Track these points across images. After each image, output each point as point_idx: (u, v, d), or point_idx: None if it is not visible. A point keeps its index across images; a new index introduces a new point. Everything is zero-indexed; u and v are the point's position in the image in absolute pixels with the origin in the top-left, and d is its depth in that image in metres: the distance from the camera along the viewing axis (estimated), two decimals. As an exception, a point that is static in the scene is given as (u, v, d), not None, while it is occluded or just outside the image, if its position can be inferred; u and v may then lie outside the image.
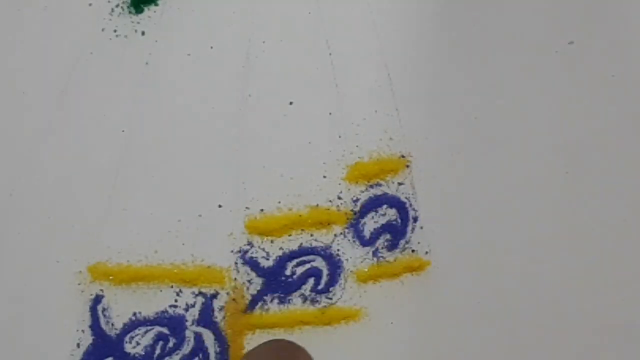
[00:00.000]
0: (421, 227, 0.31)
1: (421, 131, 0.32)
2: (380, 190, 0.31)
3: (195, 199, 0.31)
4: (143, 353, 0.29)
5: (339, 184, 0.31)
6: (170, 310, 0.30)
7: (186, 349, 0.29)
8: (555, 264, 0.32)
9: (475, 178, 0.32)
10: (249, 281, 0.30)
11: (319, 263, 0.30)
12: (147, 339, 0.29)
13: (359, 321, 0.30)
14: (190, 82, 0.32)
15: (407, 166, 0.32)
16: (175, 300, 0.30)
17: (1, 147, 0.32)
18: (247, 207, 0.31)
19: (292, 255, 0.31)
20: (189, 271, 0.30)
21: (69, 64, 0.32)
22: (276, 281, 0.30)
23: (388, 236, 0.31)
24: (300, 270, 0.30)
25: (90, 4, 0.33)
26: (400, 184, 0.31)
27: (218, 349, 0.29)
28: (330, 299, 0.30)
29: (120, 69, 0.32)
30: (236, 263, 0.30)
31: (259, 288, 0.30)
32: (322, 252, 0.31)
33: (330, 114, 0.32)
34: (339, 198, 0.31)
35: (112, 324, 0.30)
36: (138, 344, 0.29)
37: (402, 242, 0.31)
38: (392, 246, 0.31)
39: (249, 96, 0.32)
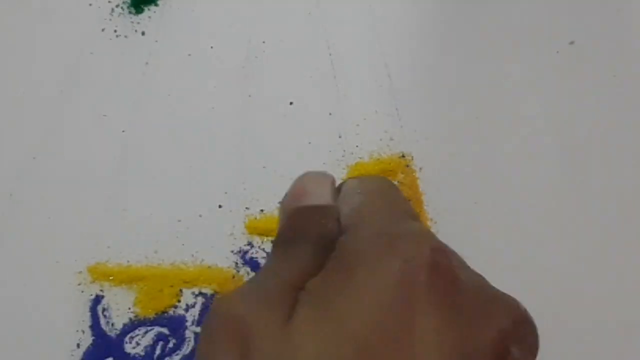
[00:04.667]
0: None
1: (421, 131, 0.32)
2: (381, 190, 0.31)
3: (195, 200, 0.31)
4: (143, 353, 0.29)
5: (339, 184, 0.31)
6: (171, 311, 0.30)
7: (186, 349, 0.29)
8: (555, 263, 0.32)
9: (476, 177, 0.32)
10: (249, 281, 0.30)
11: (319, 263, 0.30)
12: (147, 340, 0.29)
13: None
14: (190, 82, 0.32)
15: (407, 166, 0.32)
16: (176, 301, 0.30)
17: (1, 147, 0.32)
18: (247, 208, 0.31)
19: (292, 256, 0.30)
20: (189, 271, 0.30)
21: (69, 64, 0.32)
22: (276, 281, 0.30)
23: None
24: (300, 270, 0.30)
25: (90, 4, 0.33)
26: (400, 183, 0.31)
27: (218, 349, 0.29)
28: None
29: (120, 69, 0.32)
30: (236, 263, 0.30)
31: (259, 288, 0.30)
32: (322, 252, 0.30)
33: (330, 114, 0.32)
34: (339, 198, 0.31)
35: (112, 324, 0.29)
36: (138, 344, 0.29)
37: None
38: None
39: (249, 96, 0.32)
